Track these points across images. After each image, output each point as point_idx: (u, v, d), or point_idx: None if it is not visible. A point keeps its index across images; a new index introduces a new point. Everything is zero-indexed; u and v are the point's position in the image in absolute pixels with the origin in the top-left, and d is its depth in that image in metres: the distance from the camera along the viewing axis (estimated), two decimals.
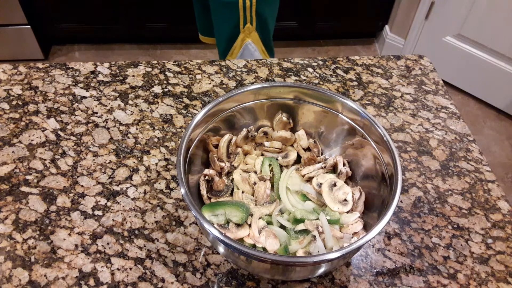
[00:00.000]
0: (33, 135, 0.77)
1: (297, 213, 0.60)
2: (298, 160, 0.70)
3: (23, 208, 0.67)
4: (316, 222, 0.58)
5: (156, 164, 0.74)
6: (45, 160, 0.74)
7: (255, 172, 0.67)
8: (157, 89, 0.87)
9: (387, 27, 2.35)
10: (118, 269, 0.61)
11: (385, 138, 0.59)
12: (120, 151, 0.76)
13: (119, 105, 0.84)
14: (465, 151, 0.81)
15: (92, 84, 0.87)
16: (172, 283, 0.60)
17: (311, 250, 0.56)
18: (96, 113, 0.82)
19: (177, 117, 0.82)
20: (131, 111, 0.83)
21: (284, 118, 0.69)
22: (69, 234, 0.64)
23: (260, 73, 0.92)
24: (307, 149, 0.71)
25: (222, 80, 0.90)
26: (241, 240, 0.57)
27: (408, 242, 0.67)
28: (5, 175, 0.71)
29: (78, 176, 0.72)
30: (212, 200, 0.63)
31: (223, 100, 0.64)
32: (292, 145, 0.71)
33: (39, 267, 0.61)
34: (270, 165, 0.67)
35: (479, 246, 0.67)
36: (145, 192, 0.70)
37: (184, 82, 0.89)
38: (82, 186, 0.70)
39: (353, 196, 0.62)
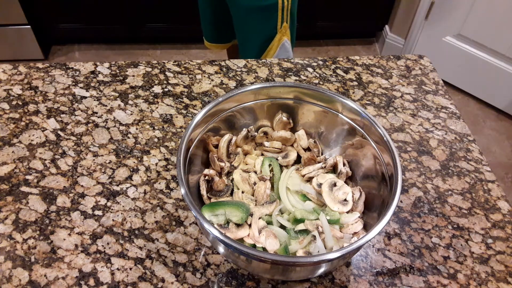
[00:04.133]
0: (33, 135, 0.77)
1: (297, 213, 0.60)
2: (298, 160, 0.70)
3: (23, 208, 0.67)
4: (316, 222, 0.58)
5: (156, 164, 0.74)
6: (45, 160, 0.74)
7: (255, 172, 0.67)
8: (157, 89, 0.87)
9: (387, 27, 2.35)
10: (118, 269, 0.61)
11: (385, 138, 0.59)
12: (120, 151, 0.76)
13: (119, 105, 0.84)
14: (465, 151, 0.81)
15: (92, 84, 0.87)
16: (172, 283, 0.60)
17: (311, 250, 0.56)
18: (96, 113, 0.82)
19: (177, 117, 0.82)
20: (131, 111, 0.83)
21: (284, 118, 0.69)
22: (69, 234, 0.64)
23: (260, 73, 0.92)
24: (307, 149, 0.71)
25: (222, 80, 0.90)
26: (241, 240, 0.57)
27: (408, 242, 0.67)
28: (5, 175, 0.71)
29: (78, 176, 0.72)
30: (212, 200, 0.63)
31: (223, 100, 0.64)
32: (292, 145, 0.71)
33: (39, 267, 0.61)
34: (270, 165, 0.67)
35: (479, 246, 0.67)
36: (145, 192, 0.70)
37: (184, 82, 0.89)
38: (82, 186, 0.70)
39: (353, 196, 0.62)
